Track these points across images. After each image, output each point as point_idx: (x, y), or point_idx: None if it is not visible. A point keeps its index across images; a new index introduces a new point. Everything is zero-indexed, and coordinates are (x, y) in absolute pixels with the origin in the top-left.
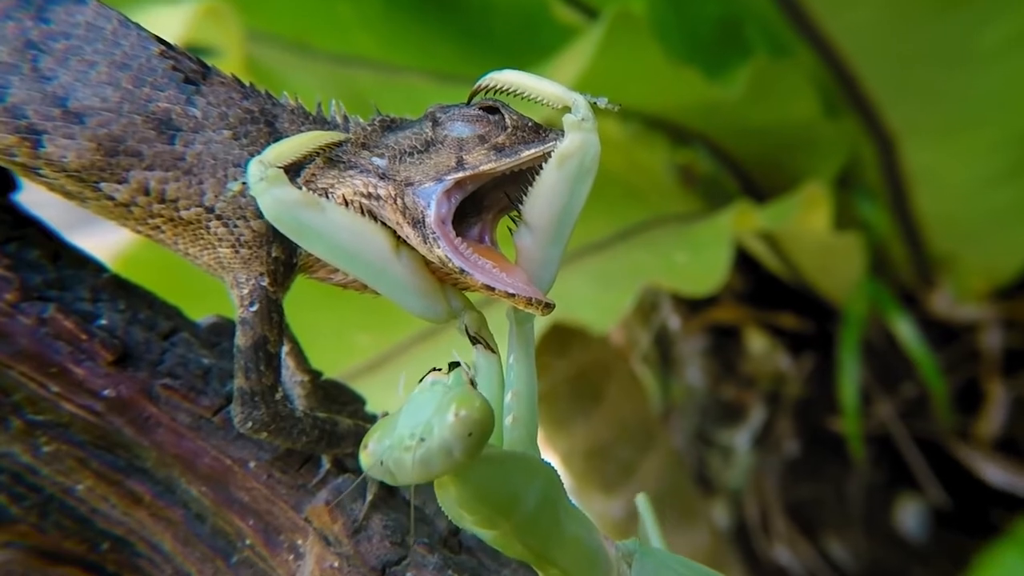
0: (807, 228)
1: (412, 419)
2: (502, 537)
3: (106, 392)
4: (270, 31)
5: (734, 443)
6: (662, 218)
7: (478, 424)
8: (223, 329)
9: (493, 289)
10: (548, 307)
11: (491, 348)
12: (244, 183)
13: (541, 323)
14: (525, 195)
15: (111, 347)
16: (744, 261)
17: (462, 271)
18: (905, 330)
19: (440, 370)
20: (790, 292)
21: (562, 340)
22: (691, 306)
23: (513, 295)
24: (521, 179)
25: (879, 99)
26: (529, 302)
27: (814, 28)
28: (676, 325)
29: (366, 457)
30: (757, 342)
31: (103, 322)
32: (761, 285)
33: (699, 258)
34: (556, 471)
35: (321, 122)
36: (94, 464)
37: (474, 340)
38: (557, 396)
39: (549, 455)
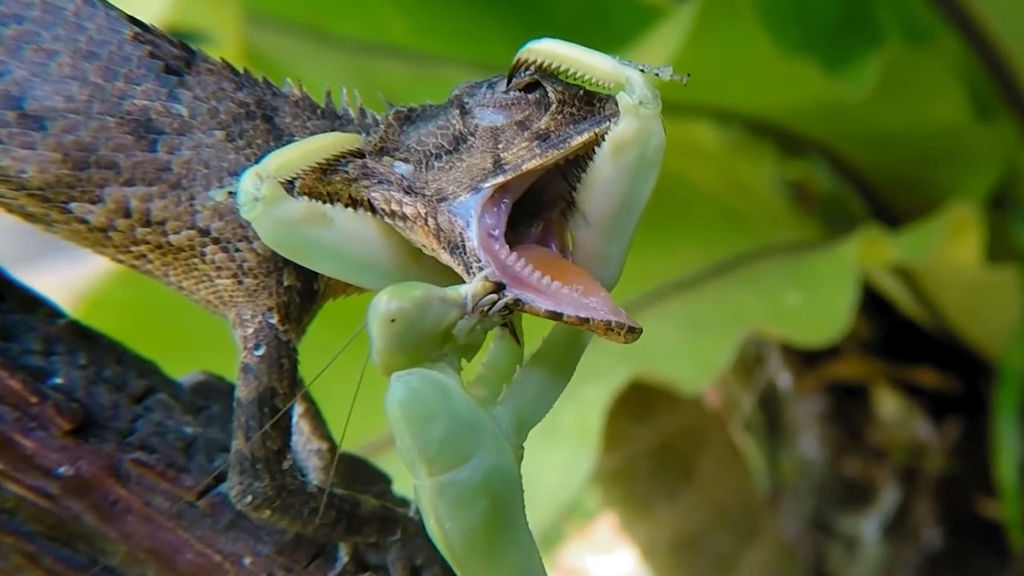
0: (952, 261)
1: None
2: (418, 493)
3: (62, 470)
4: (276, 13)
5: (860, 531)
6: (769, 248)
7: (399, 313)
8: (211, 389)
9: (561, 316)
10: (632, 332)
11: (516, 337)
12: (231, 191)
13: (616, 381)
14: (579, 181)
15: (68, 413)
16: (873, 303)
17: (518, 302)
18: None
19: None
20: (930, 342)
21: (644, 402)
22: (806, 359)
23: (586, 320)
24: (583, 162)
25: None
26: (609, 327)
27: (962, 9)
28: (787, 383)
29: None
30: (889, 404)
31: (58, 381)
32: (894, 333)
33: (816, 299)
34: (520, 484)
35: (331, 116)
36: (47, 561)
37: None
38: (637, 472)
39: (627, 545)
